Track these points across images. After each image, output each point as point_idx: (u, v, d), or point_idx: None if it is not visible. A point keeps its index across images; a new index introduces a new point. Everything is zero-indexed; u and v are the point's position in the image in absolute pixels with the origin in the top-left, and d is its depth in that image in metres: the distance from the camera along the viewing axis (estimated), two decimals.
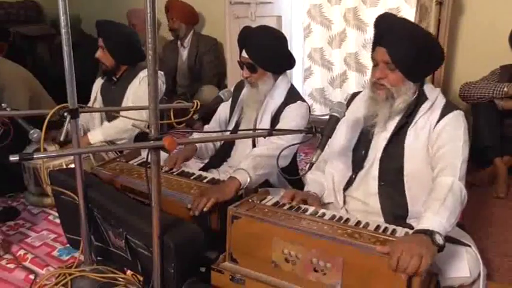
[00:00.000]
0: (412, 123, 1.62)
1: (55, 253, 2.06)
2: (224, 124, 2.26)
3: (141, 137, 2.58)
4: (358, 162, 1.73)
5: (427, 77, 1.69)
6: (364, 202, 1.71)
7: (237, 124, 2.18)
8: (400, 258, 1.21)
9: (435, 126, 1.59)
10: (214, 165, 2.25)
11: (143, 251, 1.52)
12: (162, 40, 4.34)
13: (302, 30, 4.16)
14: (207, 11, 4.29)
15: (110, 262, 1.76)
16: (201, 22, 4.30)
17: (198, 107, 1.73)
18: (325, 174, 1.80)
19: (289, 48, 2.13)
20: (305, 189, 1.79)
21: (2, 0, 4.50)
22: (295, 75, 4.16)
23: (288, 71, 2.16)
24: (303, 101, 2.08)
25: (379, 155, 1.67)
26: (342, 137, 1.76)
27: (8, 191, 2.63)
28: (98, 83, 2.84)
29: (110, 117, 2.71)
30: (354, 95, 1.86)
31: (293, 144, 1.78)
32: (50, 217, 2.39)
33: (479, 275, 1.47)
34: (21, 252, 2.03)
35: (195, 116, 1.82)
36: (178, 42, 4.12)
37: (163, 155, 1.39)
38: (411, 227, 1.46)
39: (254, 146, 2.07)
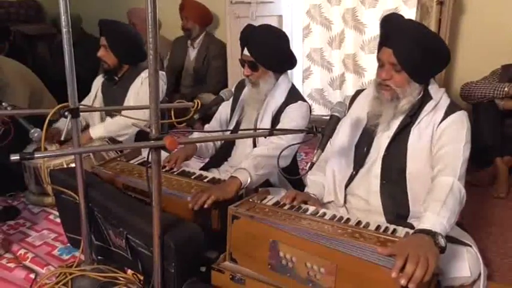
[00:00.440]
0: (416, 123, 1.62)
1: (55, 252, 2.07)
2: (225, 124, 2.27)
3: (142, 136, 2.59)
4: (359, 160, 1.73)
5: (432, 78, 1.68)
6: (366, 200, 1.71)
7: (238, 123, 2.18)
8: (407, 261, 1.18)
9: (438, 125, 1.59)
10: (214, 164, 2.25)
11: (144, 250, 1.52)
12: (163, 40, 4.33)
13: (301, 31, 4.15)
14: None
15: (111, 261, 1.76)
16: None
17: (199, 106, 1.74)
18: (326, 172, 1.80)
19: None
20: (305, 190, 1.79)
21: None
22: (295, 75, 4.16)
23: (288, 71, 2.16)
24: (304, 101, 2.07)
25: (381, 153, 1.66)
26: (344, 135, 1.76)
27: (8, 190, 2.63)
28: (99, 81, 2.84)
29: (110, 116, 2.71)
30: (358, 92, 1.85)
31: (293, 144, 1.78)
32: (51, 216, 2.39)
33: (479, 275, 1.48)
34: (22, 251, 2.03)
35: (196, 116, 1.83)
36: (189, 42, 4.08)
37: (163, 154, 1.39)
38: (412, 227, 1.46)
39: (255, 145, 2.07)
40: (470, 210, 2.38)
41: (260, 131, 1.95)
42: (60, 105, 1.50)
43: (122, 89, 2.67)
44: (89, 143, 2.57)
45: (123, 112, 2.39)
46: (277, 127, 1.96)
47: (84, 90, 2.80)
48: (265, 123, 2.05)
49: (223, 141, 2.27)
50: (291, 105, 2.03)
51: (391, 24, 1.61)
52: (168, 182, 1.83)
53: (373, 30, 3.76)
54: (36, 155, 1.11)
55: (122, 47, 2.61)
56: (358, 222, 1.45)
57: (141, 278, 1.63)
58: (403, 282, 1.15)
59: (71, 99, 1.51)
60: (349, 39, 3.92)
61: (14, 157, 1.09)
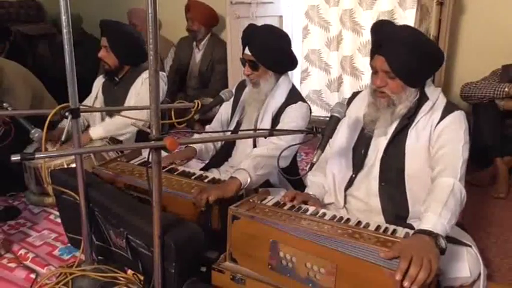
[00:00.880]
0: (413, 124, 1.62)
1: (56, 252, 2.07)
2: (226, 124, 2.27)
3: (142, 137, 2.59)
4: (358, 162, 1.72)
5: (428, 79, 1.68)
6: (365, 202, 1.71)
7: (239, 124, 2.18)
8: (410, 264, 1.18)
9: (436, 126, 1.58)
10: (215, 164, 2.25)
11: (144, 250, 1.52)
12: (163, 40, 4.33)
13: (300, 31, 4.14)
14: None
15: (111, 261, 1.76)
16: None
17: (199, 107, 1.74)
18: (326, 174, 1.80)
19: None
20: (306, 191, 1.79)
21: None
22: (293, 76, 4.15)
23: (289, 72, 2.16)
24: (304, 101, 2.08)
25: (380, 155, 1.66)
26: (342, 137, 1.75)
27: (9, 190, 2.64)
28: (99, 81, 2.84)
29: (111, 116, 2.71)
30: (355, 94, 1.85)
31: (293, 145, 1.78)
32: (51, 216, 2.40)
33: (479, 275, 1.47)
34: (22, 251, 2.03)
35: (196, 116, 1.83)
36: (194, 43, 4.05)
37: (163, 154, 1.39)
38: (412, 227, 1.46)
39: (255, 145, 2.07)
40: (470, 210, 2.39)
41: (260, 131, 1.95)
42: (61, 106, 1.50)
43: (123, 90, 2.67)
44: (89, 143, 2.57)
45: (122, 112, 2.39)
46: (277, 127, 1.97)
47: (84, 91, 2.79)
48: (266, 123, 2.05)
49: (223, 142, 2.27)
50: (291, 105, 2.04)
51: (383, 32, 1.60)
52: (169, 182, 1.83)
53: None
54: (37, 156, 1.11)
55: (123, 48, 2.61)
56: (358, 223, 1.45)
57: (142, 278, 1.63)
58: (406, 284, 1.16)
59: (71, 99, 1.51)
60: (347, 41, 3.91)
61: (15, 157, 1.09)
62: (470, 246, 1.51)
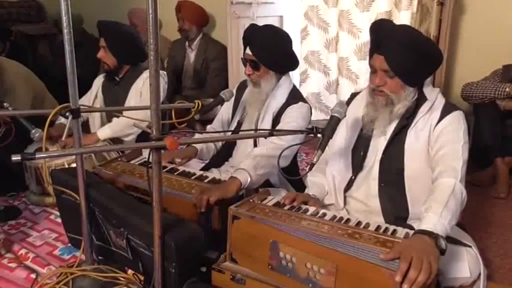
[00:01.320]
0: (412, 124, 1.62)
1: (56, 252, 2.07)
2: (227, 124, 2.27)
3: (143, 137, 2.59)
4: (357, 163, 1.73)
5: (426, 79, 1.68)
6: (365, 203, 1.71)
7: (239, 123, 2.18)
8: (410, 265, 1.18)
9: (435, 127, 1.58)
10: (215, 164, 2.25)
11: (144, 250, 1.52)
12: (163, 40, 4.34)
13: (299, 32, 4.13)
14: (207, 10, 4.29)
15: (111, 261, 1.76)
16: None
17: (199, 107, 1.74)
18: (326, 175, 1.80)
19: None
20: (306, 191, 1.79)
21: None
22: (293, 78, 4.12)
23: (290, 73, 2.16)
24: (305, 101, 2.08)
25: (379, 156, 1.66)
26: (341, 138, 1.76)
27: (9, 190, 2.63)
28: (99, 80, 2.84)
29: (111, 116, 2.71)
30: (353, 95, 1.85)
31: (293, 145, 1.78)
32: (52, 216, 2.40)
33: (479, 275, 1.48)
34: (23, 251, 2.04)
35: (196, 116, 1.83)
36: (186, 43, 4.07)
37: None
38: (412, 228, 1.46)
39: (255, 145, 2.07)
40: (470, 211, 2.39)
41: (261, 131, 1.95)
42: (61, 106, 1.51)
43: (123, 90, 2.67)
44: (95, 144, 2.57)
45: (126, 113, 2.39)
46: (278, 127, 1.97)
47: (85, 91, 2.80)
48: (266, 123, 2.05)
49: (224, 142, 2.27)
50: (291, 105, 2.04)
51: (382, 31, 1.60)
52: (169, 182, 1.83)
53: (366, 35, 3.71)
54: (37, 156, 1.12)
55: (121, 47, 2.61)
56: (358, 223, 1.46)
57: (142, 278, 1.63)
58: (405, 287, 1.16)
59: (72, 99, 1.51)
60: (344, 43, 3.87)
61: (15, 157, 1.09)
62: (470, 246, 1.51)
